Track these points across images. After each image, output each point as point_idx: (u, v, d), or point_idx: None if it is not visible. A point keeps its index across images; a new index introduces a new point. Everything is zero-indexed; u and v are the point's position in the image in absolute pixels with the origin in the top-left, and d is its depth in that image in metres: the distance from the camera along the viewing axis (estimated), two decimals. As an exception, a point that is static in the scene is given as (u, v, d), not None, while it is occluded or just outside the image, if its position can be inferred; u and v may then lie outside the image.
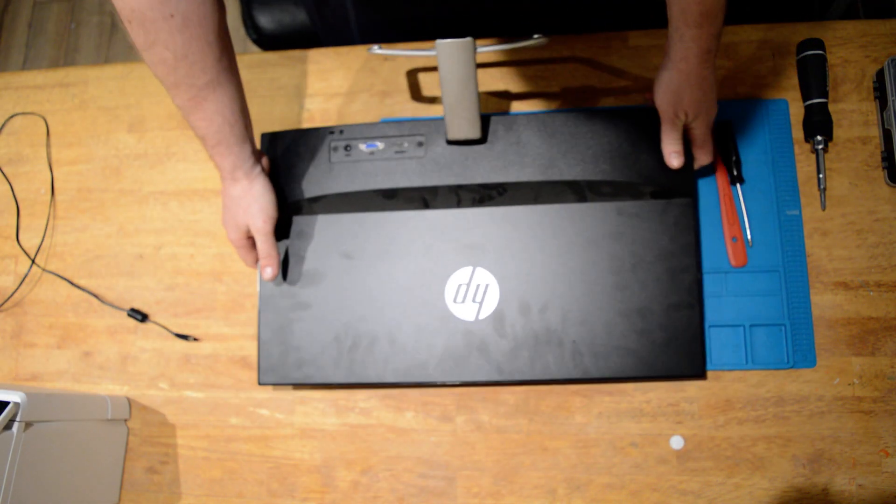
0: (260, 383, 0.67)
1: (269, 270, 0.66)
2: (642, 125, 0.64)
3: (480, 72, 0.75)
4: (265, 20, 0.95)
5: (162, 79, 0.57)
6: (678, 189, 0.63)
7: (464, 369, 0.63)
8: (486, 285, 0.64)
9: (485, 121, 0.66)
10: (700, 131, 0.62)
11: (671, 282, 0.62)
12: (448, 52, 0.59)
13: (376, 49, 0.65)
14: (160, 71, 0.56)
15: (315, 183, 0.68)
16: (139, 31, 0.53)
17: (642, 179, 0.63)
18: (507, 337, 0.63)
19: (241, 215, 0.65)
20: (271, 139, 0.70)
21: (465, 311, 0.64)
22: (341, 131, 0.68)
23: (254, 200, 0.64)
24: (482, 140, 0.65)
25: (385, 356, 0.64)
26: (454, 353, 0.63)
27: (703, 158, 0.64)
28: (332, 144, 0.68)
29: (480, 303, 0.64)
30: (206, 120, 0.59)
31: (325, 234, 0.67)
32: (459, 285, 0.65)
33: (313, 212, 0.68)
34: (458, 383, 0.65)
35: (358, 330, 0.65)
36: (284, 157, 0.69)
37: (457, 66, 0.60)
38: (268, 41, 0.96)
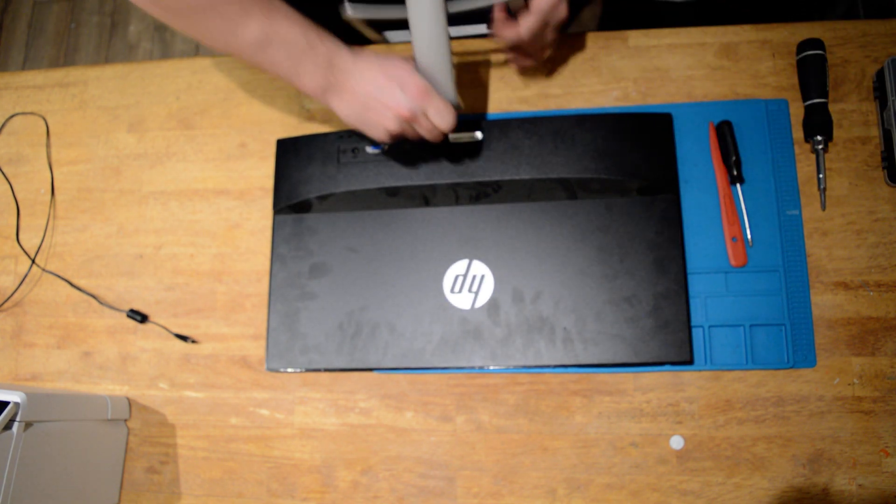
0: (268, 368, 0.68)
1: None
2: (629, 126, 0.68)
3: (483, 71, 0.75)
4: None
5: (229, 9, 0.52)
6: (663, 186, 0.66)
7: (459, 355, 0.66)
8: (482, 276, 0.67)
9: (482, 123, 0.69)
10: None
11: (658, 272, 0.64)
12: (418, 8, 0.58)
13: (349, 11, 0.63)
14: None
15: (324, 183, 0.71)
16: None
17: (629, 177, 0.66)
18: (501, 325, 0.65)
19: (401, 68, 0.56)
20: (285, 144, 0.74)
21: (462, 301, 0.67)
22: (350, 135, 0.72)
23: (390, 59, 0.57)
24: (458, 107, 0.65)
25: (385, 343, 0.67)
26: (450, 340, 0.66)
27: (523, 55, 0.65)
28: (341, 147, 0.71)
29: (476, 293, 0.67)
30: (290, 18, 0.55)
31: (332, 229, 0.70)
32: (456, 276, 0.67)
33: (322, 209, 0.71)
34: (453, 368, 0.66)
35: (360, 318, 0.68)
36: (297, 161, 0.73)
37: (427, 24, 0.58)
38: None
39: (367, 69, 0.56)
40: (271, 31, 0.54)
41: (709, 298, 0.65)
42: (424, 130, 0.60)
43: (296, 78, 0.56)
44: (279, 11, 0.54)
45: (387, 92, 0.56)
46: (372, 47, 0.67)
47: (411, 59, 0.60)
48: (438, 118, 0.58)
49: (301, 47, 0.54)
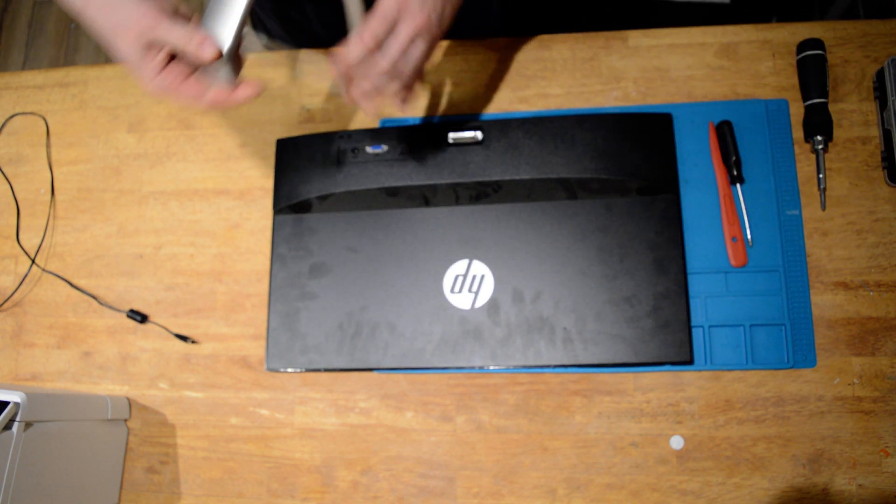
0: (267, 368, 0.68)
1: (211, 47, 0.50)
2: (629, 126, 0.68)
3: (483, 71, 0.75)
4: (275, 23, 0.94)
5: None
6: (663, 186, 0.66)
7: (459, 355, 0.65)
8: (482, 276, 0.67)
9: (482, 124, 0.69)
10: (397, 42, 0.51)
11: (658, 272, 0.64)
12: None
13: None
14: None
15: (324, 183, 0.71)
16: None
17: (629, 177, 0.66)
18: (500, 325, 0.65)
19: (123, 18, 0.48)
20: (285, 144, 0.73)
21: (462, 301, 0.66)
22: (350, 135, 0.72)
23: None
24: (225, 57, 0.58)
25: (385, 343, 0.67)
26: (450, 340, 0.66)
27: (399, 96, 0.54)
28: (341, 147, 0.71)
29: (476, 293, 0.66)
30: None
31: (332, 229, 0.70)
32: (456, 276, 0.67)
33: (322, 209, 0.71)
34: (453, 368, 0.66)
35: (360, 318, 0.68)
36: (297, 161, 0.72)
37: None
38: (278, 43, 0.96)
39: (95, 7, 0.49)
40: None
41: (709, 298, 0.65)
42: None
43: None
44: None
45: (114, 42, 0.50)
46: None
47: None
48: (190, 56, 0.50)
49: None
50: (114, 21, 0.49)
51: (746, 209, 0.66)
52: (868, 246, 0.65)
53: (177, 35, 0.49)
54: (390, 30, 0.52)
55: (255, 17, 0.95)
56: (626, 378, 0.65)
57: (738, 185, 0.67)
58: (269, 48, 0.98)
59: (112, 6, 0.49)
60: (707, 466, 0.63)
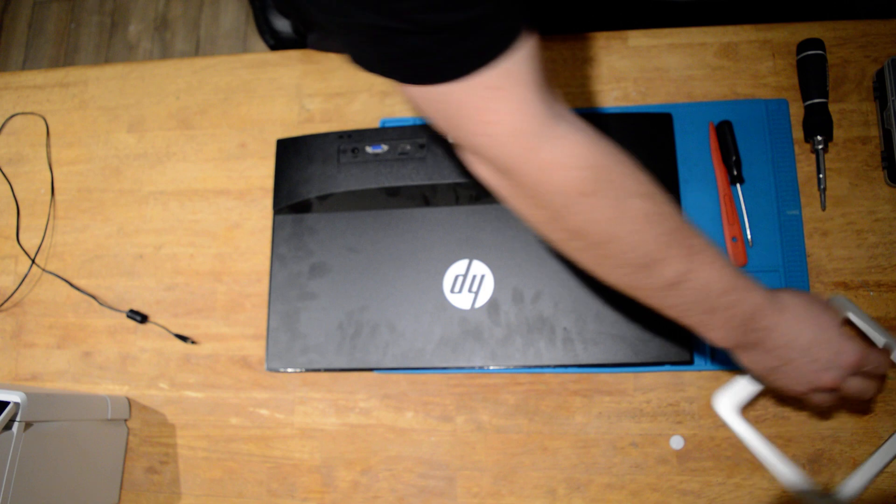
0: (267, 368, 0.68)
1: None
2: (629, 126, 0.68)
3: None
4: (282, 24, 0.94)
5: (648, 245, 0.46)
6: (663, 186, 0.65)
7: (459, 355, 0.66)
8: (482, 276, 0.67)
9: None
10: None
11: None
12: None
13: None
14: (650, 231, 0.46)
15: (324, 182, 0.71)
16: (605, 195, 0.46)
17: None
18: (500, 324, 0.65)
19: (835, 330, 0.50)
20: (285, 144, 0.73)
21: (462, 301, 0.67)
22: (349, 135, 0.71)
23: (820, 313, 0.51)
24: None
25: (385, 343, 0.67)
26: (450, 339, 0.66)
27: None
28: (341, 147, 0.71)
29: (476, 293, 0.67)
30: (715, 265, 0.48)
31: (332, 229, 0.70)
32: (456, 276, 0.67)
33: (322, 209, 0.71)
34: (453, 368, 0.66)
35: (360, 318, 0.68)
36: (297, 160, 0.72)
37: None
38: (285, 46, 0.95)
39: (794, 325, 0.50)
40: (689, 274, 0.47)
41: (709, 298, 0.65)
42: (850, 391, 0.52)
43: (701, 326, 0.51)
44: (702, 254, 0.48)
45: (813, 359, 0.51)
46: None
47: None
48: (872, 377, 0.52)
49: (718, 299, 0.48)
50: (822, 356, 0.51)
51: (746, 209, 0.66)
52: (868, 246, 0.65)
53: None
54: None
55: (261, 21, 0.94)
56: (626, 378, 0.65)
57: (738, 185, 0.67)
58: (272, 48, 0.98)
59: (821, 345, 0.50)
60: (707, 466, 0.63)
